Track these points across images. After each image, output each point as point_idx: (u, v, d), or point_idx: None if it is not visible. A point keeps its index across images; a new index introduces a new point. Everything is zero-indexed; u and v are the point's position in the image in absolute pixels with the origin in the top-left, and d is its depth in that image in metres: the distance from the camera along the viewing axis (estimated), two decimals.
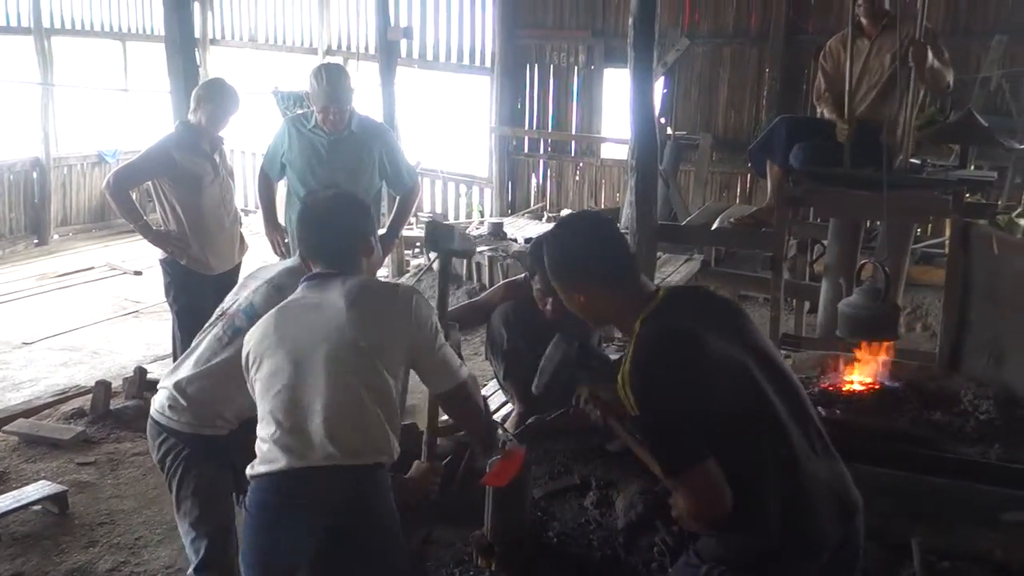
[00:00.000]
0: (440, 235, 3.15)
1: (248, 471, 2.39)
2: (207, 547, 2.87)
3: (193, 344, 2.90)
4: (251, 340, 2.50)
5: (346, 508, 2.29)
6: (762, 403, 2.06)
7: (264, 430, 2.39)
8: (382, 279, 2.79)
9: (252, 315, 2.77)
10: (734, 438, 2.00)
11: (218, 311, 2.94)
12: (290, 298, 2.57)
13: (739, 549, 2.08)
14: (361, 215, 2.69)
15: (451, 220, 10.74)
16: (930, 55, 4.28)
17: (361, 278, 2.58)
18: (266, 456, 2.35)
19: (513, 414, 3.74)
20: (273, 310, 2.54)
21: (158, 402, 2.86)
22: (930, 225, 7.99)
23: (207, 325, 2.92)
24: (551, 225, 3.32)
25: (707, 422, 1.98)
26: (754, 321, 2.31)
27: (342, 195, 2.78)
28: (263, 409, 2.41)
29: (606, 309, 2.26)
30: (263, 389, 2.42)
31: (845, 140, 4.54)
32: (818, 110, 5.02)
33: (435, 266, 3.38)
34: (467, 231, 8.51)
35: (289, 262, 3.06)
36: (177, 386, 2.80)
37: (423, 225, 9.70)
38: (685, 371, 2.01)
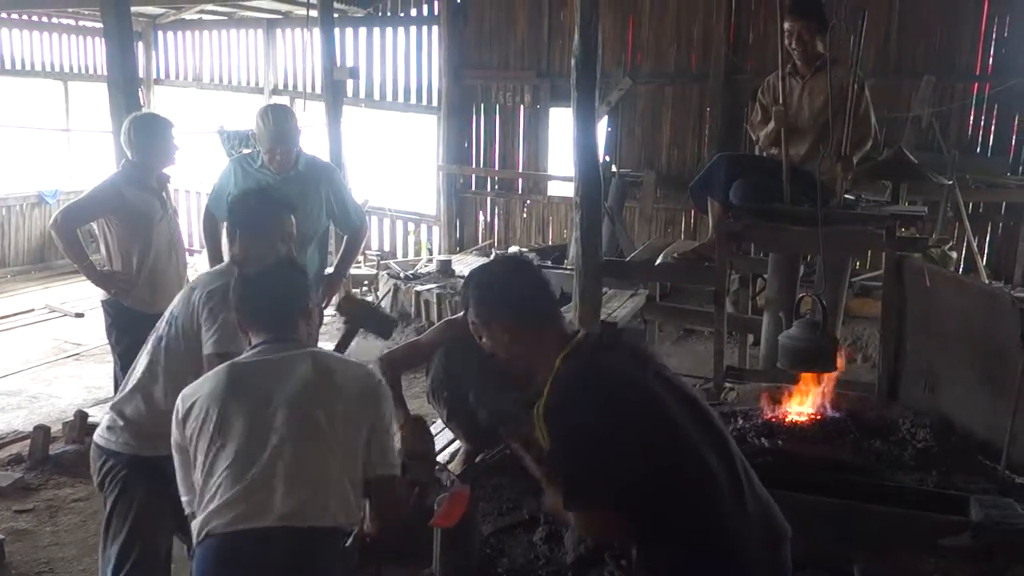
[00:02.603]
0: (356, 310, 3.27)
1: (196, 527, 2.30)
2: (127, 572, 2.80)
3: (131, 368, 2.93)
4: (197, 391, 2.44)
5: (299, 571, 2.23)
6: (683, 441, 2.10)
7: (216, 484, 2.30)
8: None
9: (172, 322, 2.80)
10: (656, 475, 2.04)
11: (153, 332, 2.99)
12: (244, 358, 2.54)
13: None
14: (299, 284, 2.69)
15: (399, 258, 10.73)
16: (852, 160, 4.52)
17: (324, 350, 2.63)
18: (219, 514, 2.26)
19: (460, 452, 3.74)
20: (224, 365, 2.50)
21: (100, 425, 2.88)
22: (868, 259, 8.20)
23: (142, 350, 2.95)
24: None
25: (623, 461, 2.03)
26: (667, 363, 2.39)
27: (281, 265, 2.78)
28: (214, 463, 2.33)
29: (529, 349, 2.30)
30: (213, 442, 2.35)
31: (781, 125, 4.63)
32: (756, 146, 5.15)
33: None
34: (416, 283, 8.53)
35: (214, 268, 3.10)
36: (115, 407, 2.82)
37: (371, 263, 9.73)
38: (600, 410, 2.06)
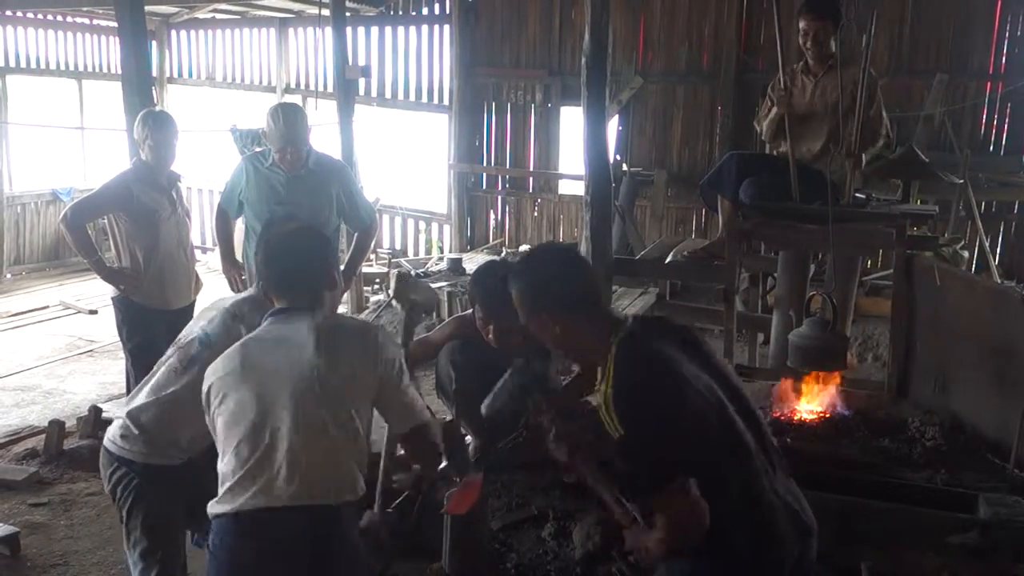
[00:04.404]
0: (407, 286, 3.23)
1: (211, 509, 2.36)
2: None
3: (149, 374, 2.91)
4: (214, 374, 2.48)
5: (313, 548, 2.29)
6: (730, 428, 2.11)
7: (228, 467, 2.36)
8: (349, 316, 2.83)
9: (208, 343, 2.78)
10: (705, 461, 2.03)
11: (175, 343, 2.95)
12: (255, 333, 2.55)
13: (706, 571, 2.12)
14: (323, 249, 2.70)
15: (411, 256, 10.76)
16: (863, 158, 4.51)
17: (329, 317, 2.61)
18: (231, 494, 2.33)
19: (471, 447, 3.76)
20: (237, 344, 2.52)
21: (111, 431, 2.86)
22: (879, 257, 8.18)
23: (164, 357, 2.92)
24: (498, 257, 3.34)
25: (685, 445, 2.02)
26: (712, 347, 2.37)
27: (304, 229, 2.77)
28: (227, 445, 2.38)
29: (579, 338, 2.28)
30: (227, 424, 2.40)
31: (784, 110, 4.64)
32: (766, 145, 5.16)
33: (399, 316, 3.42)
34: (427, 280, 8.54)
35: (245, 293, 3.08)
36: (130, 415, 2.81)
37: (382, 261, 9.77)
38: (668, 392, 2.05)
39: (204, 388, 2.48)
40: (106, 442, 2.87)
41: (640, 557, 2.13)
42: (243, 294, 3.09)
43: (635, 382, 2.08)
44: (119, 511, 2.86)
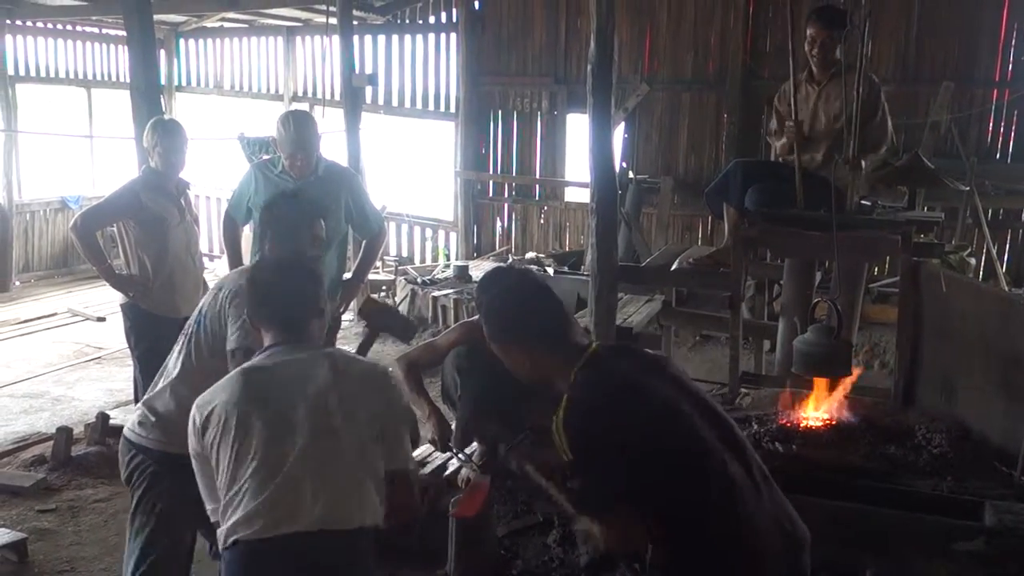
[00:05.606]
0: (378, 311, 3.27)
1: (227, 535, 2.30)
2: (149, 566, 2.85)
3: (164, 365, 2.99)
4: (214, 400, 2.41)
5: (334, 573, 2.28)
6: (699, 443, 2.11)
7: (242, 492, 2.30)
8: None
9: (200, 320, 2.87)
10: (675, 479, 2.05)
11: (181, 334, 3.05)
12: (255, 361, 2.53)
13: None
14: (310, 282, 2.67)
15: (417, 263, 10.80)
16: (862, 164, 4.50)
17: (338, 349, 2.66)
18: (250, 520, 2.27)
19: (477, 452, 3.78)
20: (237, 371, 2.50)
21: (131, 420, 2.94)
22: (887, 264, 8.16)
23: (174, 348, 3.02)
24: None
25: (642, 465, 2.03)
26: (683, 369, 2.40)
27: (290, 263, 2.78)
28: (237, 471, 2.33)
29: (545, 365, 2.29)
30: (235, 450, 2.34)
31: (794, 140, 4.63)
32: (772, 151, 5.17)
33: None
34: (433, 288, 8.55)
35: (240, 268, 3.17)
36: (147, 403, 2.88)
37: (389, 268, 9.80)
38: (617, 416, 2.07)
39: (200, 414, 2.41)
40: (125, 431, 2.94)
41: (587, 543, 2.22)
42: (238, 269, 3.18)
43: (585, 406, 2.11)
44: (132, 495, 2.90)
